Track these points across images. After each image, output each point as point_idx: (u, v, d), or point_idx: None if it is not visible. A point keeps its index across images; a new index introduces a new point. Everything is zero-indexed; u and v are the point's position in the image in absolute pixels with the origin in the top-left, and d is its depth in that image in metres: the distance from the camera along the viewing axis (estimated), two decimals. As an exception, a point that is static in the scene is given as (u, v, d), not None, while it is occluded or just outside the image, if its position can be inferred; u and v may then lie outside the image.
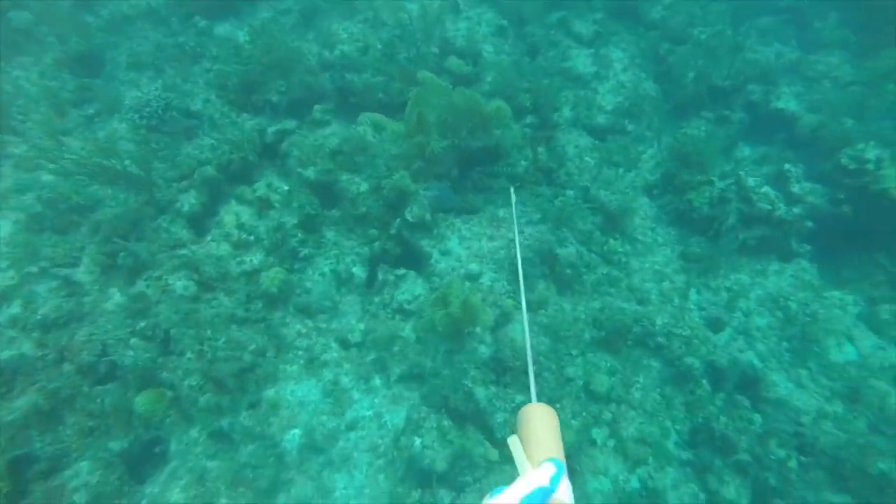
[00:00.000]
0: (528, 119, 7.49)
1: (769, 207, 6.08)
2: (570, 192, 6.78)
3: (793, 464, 4.61)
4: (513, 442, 1.21)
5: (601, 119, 7.41)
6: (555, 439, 1.22)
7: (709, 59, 7.80)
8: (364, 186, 6.24)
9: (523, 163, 7.02)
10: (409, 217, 5.80)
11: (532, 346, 2.11)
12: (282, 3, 8.31)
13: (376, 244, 6.03)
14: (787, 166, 6.52)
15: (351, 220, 6.14)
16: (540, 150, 7.22)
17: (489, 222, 6.13)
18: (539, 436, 1.21)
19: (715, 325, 5.96)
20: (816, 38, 9.00)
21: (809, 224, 6.40)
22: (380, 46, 7.65)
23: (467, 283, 5.52)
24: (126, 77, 7.08)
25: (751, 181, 6.20)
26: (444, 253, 5.87)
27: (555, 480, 1.06)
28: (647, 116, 7.45)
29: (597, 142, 7.26)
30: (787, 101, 7.79)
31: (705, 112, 7.84)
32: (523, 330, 1.87)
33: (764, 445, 4.71)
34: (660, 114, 7.62)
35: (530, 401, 1.39)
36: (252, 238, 5.69)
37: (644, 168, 7.20)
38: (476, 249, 5.89)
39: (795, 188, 6.52)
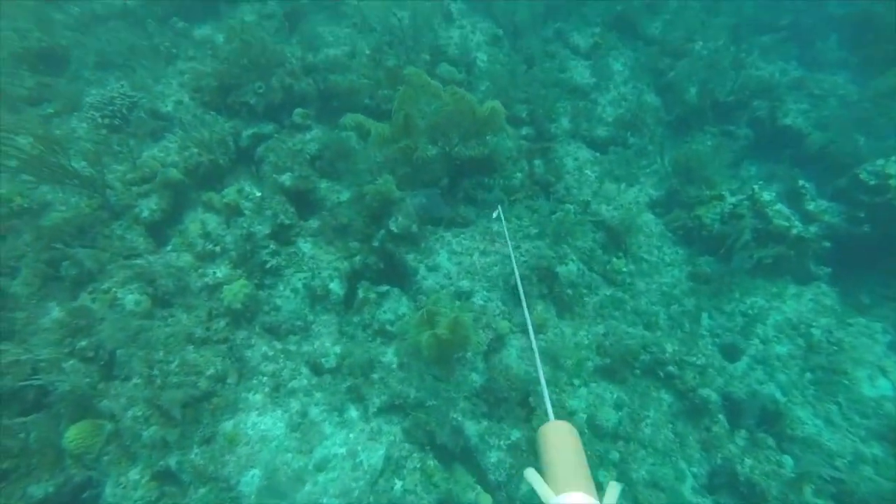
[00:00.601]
0: (525, 130, 7.05)
1: (786, 224, 5.61)
2: (569, 207, 6.28)
3: (832, 515, 4.01)
4: (530, 475, 1.10)
5: (601, 131, 6.99)
6: (578, 464, 1.08)
7: (711, 74, 7.46)
8: (345, 195, 5.69)
9: (519, 175, 6.54)
10: (393, 228, 5.24)
11: (540, 358, 1.96)
12: (265, 7, 7.88)
13: (357, 258, 5.45)
14: (801, 182, 6.10)
15: (330, 231, 5.56)
16: (536, 162, 6.77)
17: (482, 236, 5.58)
18: (559, 461, 1.07)
19: (730, 354, 5.41)
20: (818, 57, 8.78)
21: (827, 244, 5.93)
22: (368, 52, 7.22)
23: (457, 303, 4.94)
24: (93, 77, 6.53)
25: (766, 195, 5.75)
26: (432, 269, 5.29)
27: None
28: (649, 130, 7.04)
29: (597, 154, 6.81)
30: (794, 117, 7.45)
31: (709, 127, 7.46)
32: (530, 350, 1.59)
33: (797, 493, 4.10)
34: (662, 127, 7.22)
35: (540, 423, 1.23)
36: (218, 248, 5.08)
37: (647, 183, 6.75)
38: (467, 265, 5.32)
39: (811, 206, 6.08)
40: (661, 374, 5.24)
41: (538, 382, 1.34)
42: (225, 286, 4.66)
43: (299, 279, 5.08)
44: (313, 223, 5.60)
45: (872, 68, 8.57)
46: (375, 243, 5.42)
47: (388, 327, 4.94)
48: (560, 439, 1.14)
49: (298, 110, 6.30)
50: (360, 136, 6.16)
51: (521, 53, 7.74)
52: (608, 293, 5.87)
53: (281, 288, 5.06)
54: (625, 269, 5.97)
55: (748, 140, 7.27)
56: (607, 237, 6.17)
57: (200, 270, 4.88)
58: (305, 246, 5.50)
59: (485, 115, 5.09)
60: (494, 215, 5.01)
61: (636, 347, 5.25)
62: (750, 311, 5.67)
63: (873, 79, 8.25)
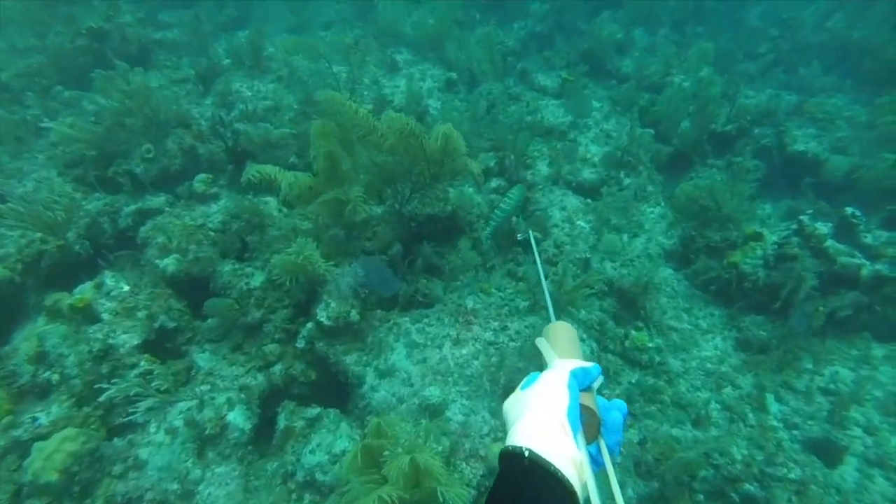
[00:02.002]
0: (495, 183, 5.70)
1: (856, 262, 4.21)
2: (565, 268, 4.82)
3: None
4: (540, 342, 1.20)
5: (589, 174, 5.68)
6: (576, 348, 1.19)
7: (700, 105, 6.38)
8: (258, 279, 4.10)
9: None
10: (323, 318, 3.62)
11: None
12: (177, 72, 6.66)
13: (276, 368, 3.76)
14: (850, 211, 4.78)
15: (237, 331, 3.90)
16: (514, 217, 5.36)
17: (453, 318, 3.99)
18: (561, 343, 1.19)
19: (826, 454, 3.75)
20: (806, 83, 7.95)
21: (902, 285, 4.52)
22: (296, 106, 5.97)
23: (422, 423, 3.23)
24: (-72, 158, 5.02)
25: (820, 228, 4.39)
26: (385, 373, 3.62)
27: (596, 368, 1.05)
28: (645, 167, 5.78)
29: (588, 201, 5.46)
30: (805, 143, 6.35)
31: (712, 160, 6.29)
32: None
33: None
34: (659, 163, 5.99)
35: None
36: (55, 377, 3.34)
37: (655, 230, 5.37)
38: (436, 363, 3.68)
39: (867, 239, 4.73)
40: (737, 497, 3.53)
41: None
42: (36, 444, 2.87)
43: (179, 412, 3.33)
44: (211, 322, 3.93)
45: (868, 89, 7.77)
46: (301, 343, 3.76)
47: (320, 476, 3.16)
48: (562, 331, 1.21)
49: (201, 176, 4.84)
50: (276, 197, 4.71)
51: (480, 97, 6.60)
52: (634, 380, 4.27)
53: (152, 430, 3.28)
54: (650, 344, 4.40)
55: (760, 172, 6.04)
56: (619, 303, 4.66)
57: (13, 418, 3.10)
58: (201, 357, 3.80)
59: (438, 149, 3.69)
60: (520, 236, 4.41)
61: (694, 459, 3.56)
62: (833, 387, 4.09)
63: (875, 98, 7.39)
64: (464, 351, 3.77)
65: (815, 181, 6.15)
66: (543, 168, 5.76)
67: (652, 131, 5.96)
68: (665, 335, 4.55)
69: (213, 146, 5.22)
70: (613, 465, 0.91)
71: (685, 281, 4.96)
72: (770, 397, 4.16)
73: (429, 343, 3.79)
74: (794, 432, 3.96)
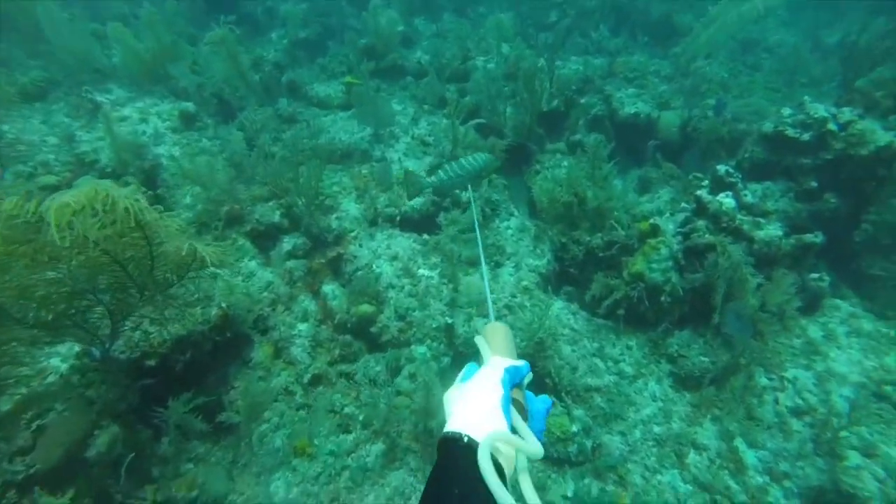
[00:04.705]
0: (288, 243, 3.82)
1: (776, 234, 3.26)
2: (420, 350, 3.17)
3: None
4: (478, 339, 1.19)
5: (414, 200, 4.10)
6: (511, 347, 1.20)
7: (526, 81, 5.26)
8: None
9: (301, 328, 3.26)
10: None
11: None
12: None
13: None
14: (725, 169, 3.91)
15: None
16: (327, 289, 3.56)
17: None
18: (497, 342, 1.18)
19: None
20: (602, 46, 7.50)
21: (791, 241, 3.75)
22: None
23: None
24: None
25: (726, 201, 3.37)
26: None
27: (526, 366, 1.07)
28: (484, 173, 4.40)
29: (425, 237, 3.87)
30: (633, 104, 5.63)
31: (551, 145, 5.21)
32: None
33: None
34: (499, 165, 4.68)
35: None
36: None
37: (521, 250, 3.98)
38: None
39: (748, 197, 3.91)
40: None
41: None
42: None
43: None
44: None
45: (656, 43, 7.60)
46: None
47: None
48: (499, 331, 1.21)
49: None
50: None
51: (241, 130, 4.64)
52: (569, 493, 2.77)
53: None
54: (574, 428, 2.96)
55: (607, 147, 5.11)
56: (512, 375, 3.14)
57: None
58: None
59: (117, 236, 1.72)
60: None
61: None
62: (802, 403, 3.06)
63: (667, 50, 7.16)
64: None
65: (659, 143, 5.46)
66: (351, 207, 4.03)
67: (481, 120, 4.59)
68: (586, 402, 3.15)
69: None
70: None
71: (582, 311, 3.64)
72: (741, 443, 2.99)
73: None
74: (788, 484, 2.81)
